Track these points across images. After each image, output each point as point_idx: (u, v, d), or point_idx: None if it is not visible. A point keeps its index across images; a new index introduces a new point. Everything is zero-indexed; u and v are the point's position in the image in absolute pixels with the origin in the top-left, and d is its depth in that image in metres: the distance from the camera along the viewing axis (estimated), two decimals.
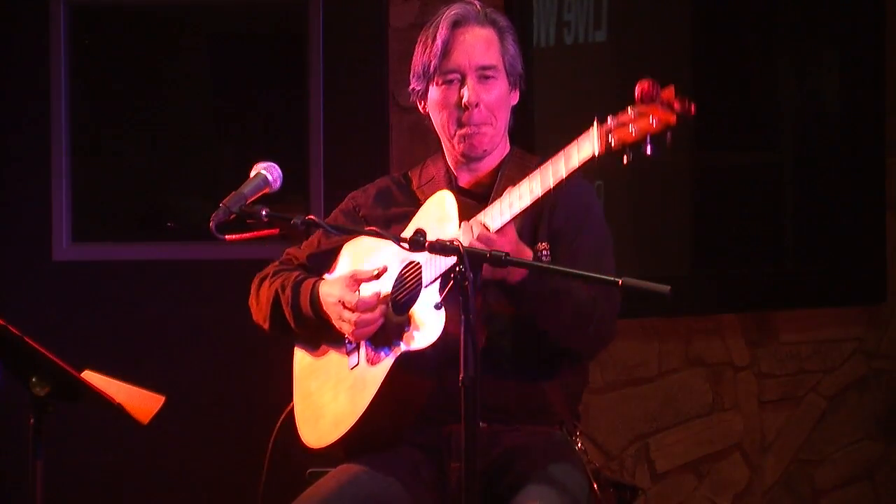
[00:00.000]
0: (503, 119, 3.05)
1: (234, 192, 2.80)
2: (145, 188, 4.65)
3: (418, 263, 2.96)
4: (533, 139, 4.39)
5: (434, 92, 3.04)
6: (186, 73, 4.73)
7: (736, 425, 4.81)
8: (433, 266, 2.89)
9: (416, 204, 3.08)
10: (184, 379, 4.34)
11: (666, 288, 2.58)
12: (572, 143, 2.72)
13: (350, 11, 4.50)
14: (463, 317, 2.56)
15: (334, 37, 4.48)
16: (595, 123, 2.68)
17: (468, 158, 3.06)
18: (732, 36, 5.03)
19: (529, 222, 3.01)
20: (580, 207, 3.05)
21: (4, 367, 2.81)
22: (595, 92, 4.83)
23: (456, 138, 3.03)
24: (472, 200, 3.03)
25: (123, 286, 4.48)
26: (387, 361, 2.95)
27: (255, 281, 3.23)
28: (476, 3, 3.07)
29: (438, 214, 2.95)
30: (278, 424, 3.20)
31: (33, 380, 2.74)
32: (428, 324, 2.88)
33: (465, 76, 3.00)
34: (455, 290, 2.62)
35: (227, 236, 2.79)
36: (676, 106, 2.61)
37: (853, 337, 4.94)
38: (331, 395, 3.12)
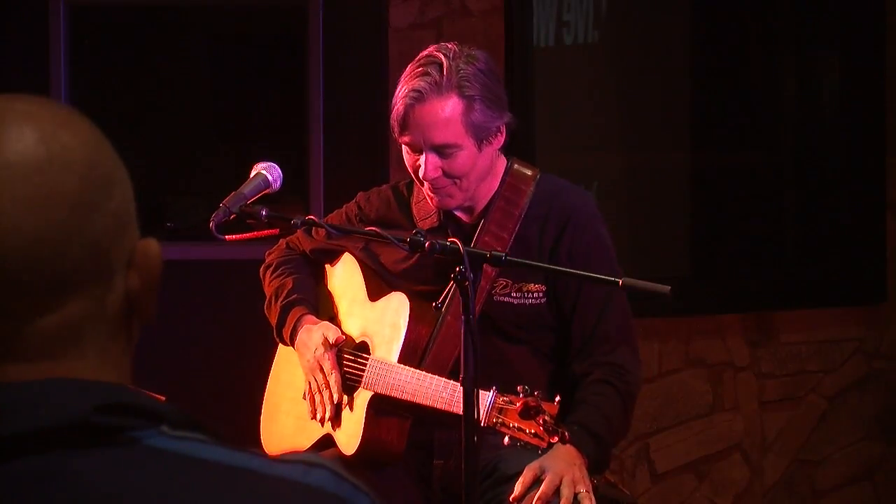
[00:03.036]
0: (473, 178, 2.93)
1: (234, 193, 2.81)
2: (145, 188, 4.65)
3: (366, 356, 2.99)
4: (533, 139, 4.40)
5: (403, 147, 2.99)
6: (186, 74, 4.72)
7: (736, 425, 4.81)
8: (376, 376, 2.93)
9: (411, 221, 3.06)
10: (184, 379, 4.34)
11: (666, 288, 2.58)
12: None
13: (350, 12, 4.50)
14: (463, 317, 2.56)
15: (334, 37, 4.48)
16: (493, 392, 2.68)
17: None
18: (732, 35, 5.03)
19: (524, 256, 2.94)
20: (584, 244, 2.99)
21: None
22: (595, 92, 4.83)
23: (424, 192, 2.99)
24: (461, 231, 3.00)
25: None
26: (316, 431, 3.05)
27: (263, 266, 3.27)
28: (445, 59, 2.89)
29: (392, 320, 2.97)
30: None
31: None
32: (350, 432, 2.97)
33: (423, 150, 2.91)
34: (455, 295, 2.63)
35: (227, 236, 2.80)
36: (552, 438, 2.62)
37: (853, 337, 4.94)
38: (287, 406, 3.18)
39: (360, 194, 3.19)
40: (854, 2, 4.90)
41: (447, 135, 2.88)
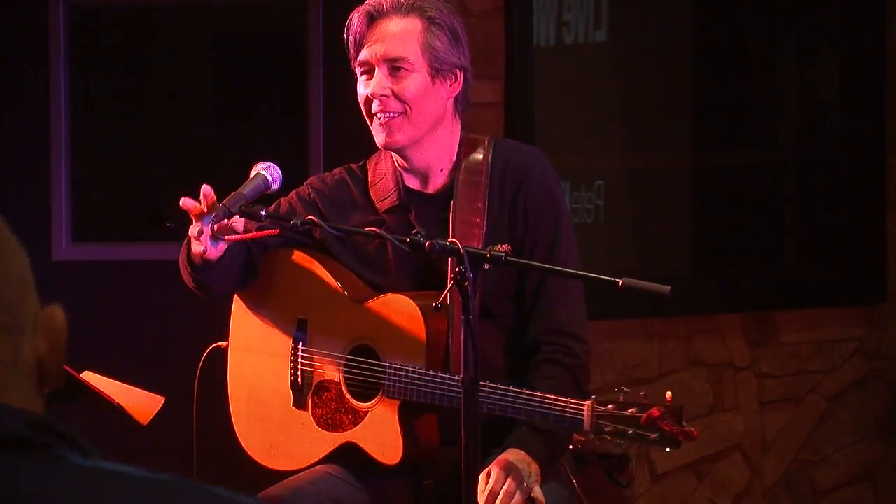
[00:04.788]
0: (423, 112, 2.89)
1: (233, 193, 2.80)
2: (145, 188, 4.65)
3: (377, 362, 2.89)
4: (533, 139, 4.39)
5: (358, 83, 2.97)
6: (186, 73, 4.72)
7: (736, 425, 4.81)
8: (400, 384, 2.84)
9: (371, 206, 3.00)
10: (184, 379, 4.33)
11: (666, 288, 2.59)
12: (567, 401, 2.68)
13: (350, 11, 4.49)
14: (463, 317, 2.56)
15: (334, 37, 4.47)
16: (593, 401, 2.65)
17: (389, 150, 2.95)
18: (733, 35, 5.04)
19: (492, 228, 2.92)
20: (538, 201, 2.96)
21: None
22: (595, 92, 4.83)
23: (373, 130, 2.93)
24: (423, 207, 2.96)
25: (123, 286, 4.47)
26: (334, 437, 2.96)
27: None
28: None
29: (403, 324, 2.87)
30: (201, 362, 3.19)
31: None
32: (386, 443, 2.87)
33: (375, 69, 2.90)
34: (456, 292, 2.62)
35: (227, 236, 2.79)
36: (685, 437, 2.60)
37: (853, 337, 4.94)
38: (277, 415, 3.07)
39: (312, 178, 3.14)
40: (854, 1, 4.90)
41: (402, 48, 2.87)
